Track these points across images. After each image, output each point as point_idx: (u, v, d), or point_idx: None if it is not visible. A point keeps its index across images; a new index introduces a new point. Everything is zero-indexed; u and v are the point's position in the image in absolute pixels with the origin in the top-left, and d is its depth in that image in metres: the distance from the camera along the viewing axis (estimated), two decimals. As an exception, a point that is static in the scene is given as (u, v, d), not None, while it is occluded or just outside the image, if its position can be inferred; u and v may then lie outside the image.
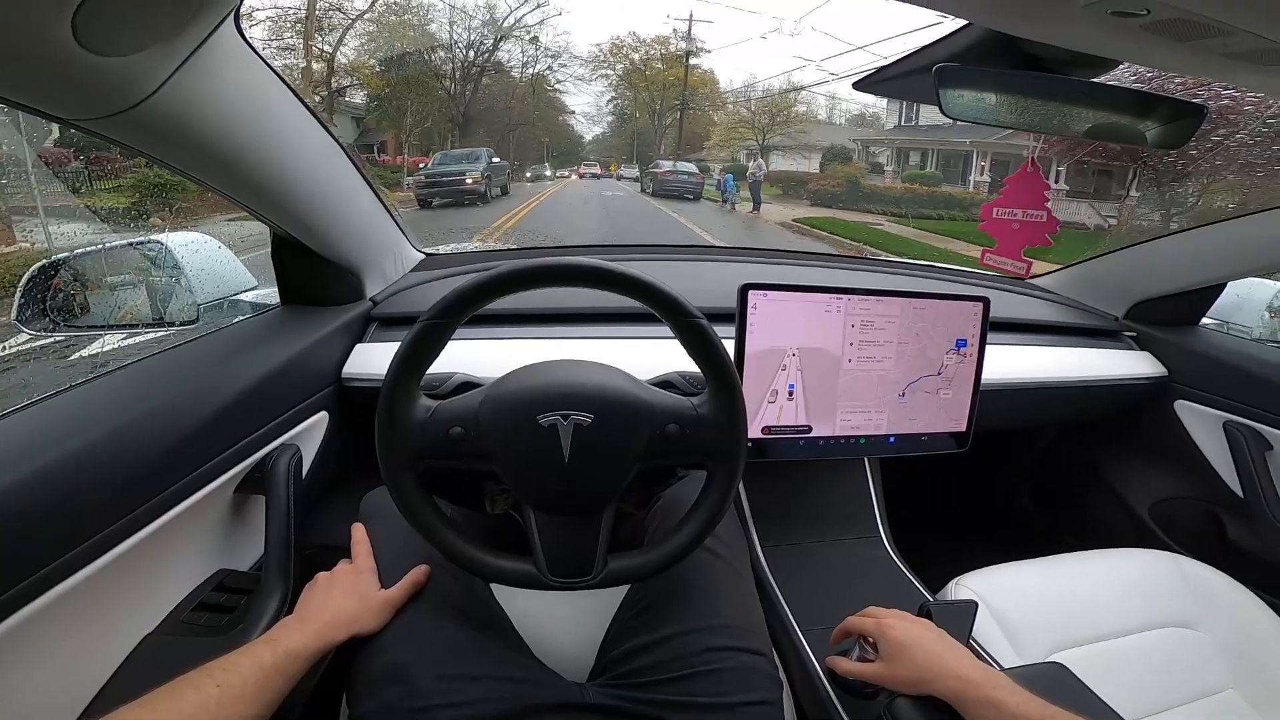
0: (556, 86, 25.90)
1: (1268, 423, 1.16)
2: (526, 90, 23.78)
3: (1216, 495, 1.25)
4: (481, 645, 0.67)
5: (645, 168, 21.29)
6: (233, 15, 0.59)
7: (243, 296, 1.04)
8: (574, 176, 25.59)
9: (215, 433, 0.73)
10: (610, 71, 26.42)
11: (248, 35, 0.65)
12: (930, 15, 0.55)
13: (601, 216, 13.30)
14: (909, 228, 13.29)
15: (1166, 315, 1.33)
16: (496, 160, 15.81)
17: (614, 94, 27.65)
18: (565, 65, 24.97)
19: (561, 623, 0.80)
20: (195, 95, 0.61)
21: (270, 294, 1.04)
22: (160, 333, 0.99)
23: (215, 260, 1.02)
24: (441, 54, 20.14)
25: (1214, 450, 1.25)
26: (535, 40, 22.96)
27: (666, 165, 19.42)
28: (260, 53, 0.68)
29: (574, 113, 28.63)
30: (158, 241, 1.01)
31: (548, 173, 24.30)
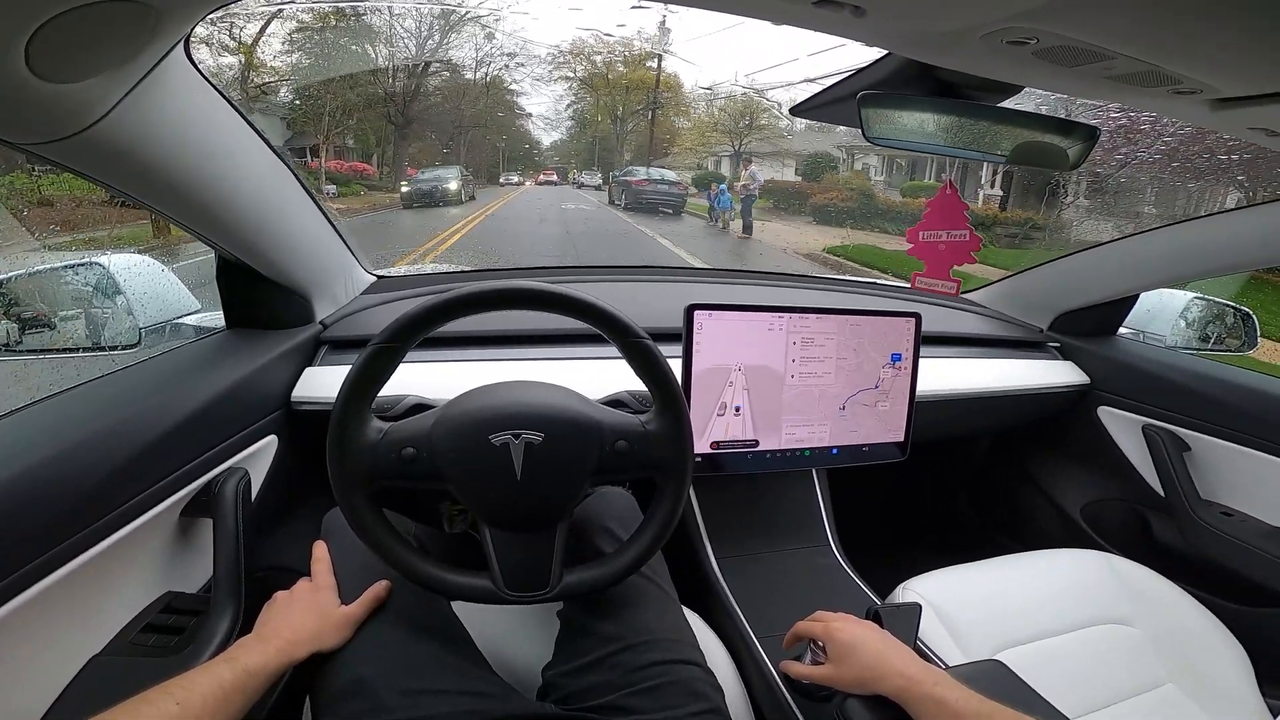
0: (512, 86, 22.88)
1: (1184, 425, 1.24)
2: (480, 91, 20.94)
3: (1141, 495, 1.32)
4: (443, 660, 0.67)
5: (612, 175, 18.46)
6: (183, 42, 0.60)
7: (186, 320, 1.02)
8: (529, 185, 22.23)
9: (158, 457, 0.73)
10: (571, 73, 24.51)
11: (198, 61, 0.65)
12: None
13: (563, 250, 9.39)
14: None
15: (1086, 326, 1.42)
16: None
17: (574, 97, 25.73)
18: (523, 65, 22.32)
19: (518, 639, 0.81)
20: (144, 120, 0.61)
21: (215, 317, 1.02)
22: (101, 357, 0.96)
23: (158, 283, 0.99)
24: (382, 48, 16.99)
25: (1136, 453, 1.33)
26: (491, 36, 20.10)
27: (640, 173, 15.76)
28: (210, 78, 0.68)
29: (531, 115, 25.69)
30: (97, 263, 0.98)
31: (452, 185, 13.68)
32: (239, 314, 1.00)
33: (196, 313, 1.04)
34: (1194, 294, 1.47)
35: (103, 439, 0.67)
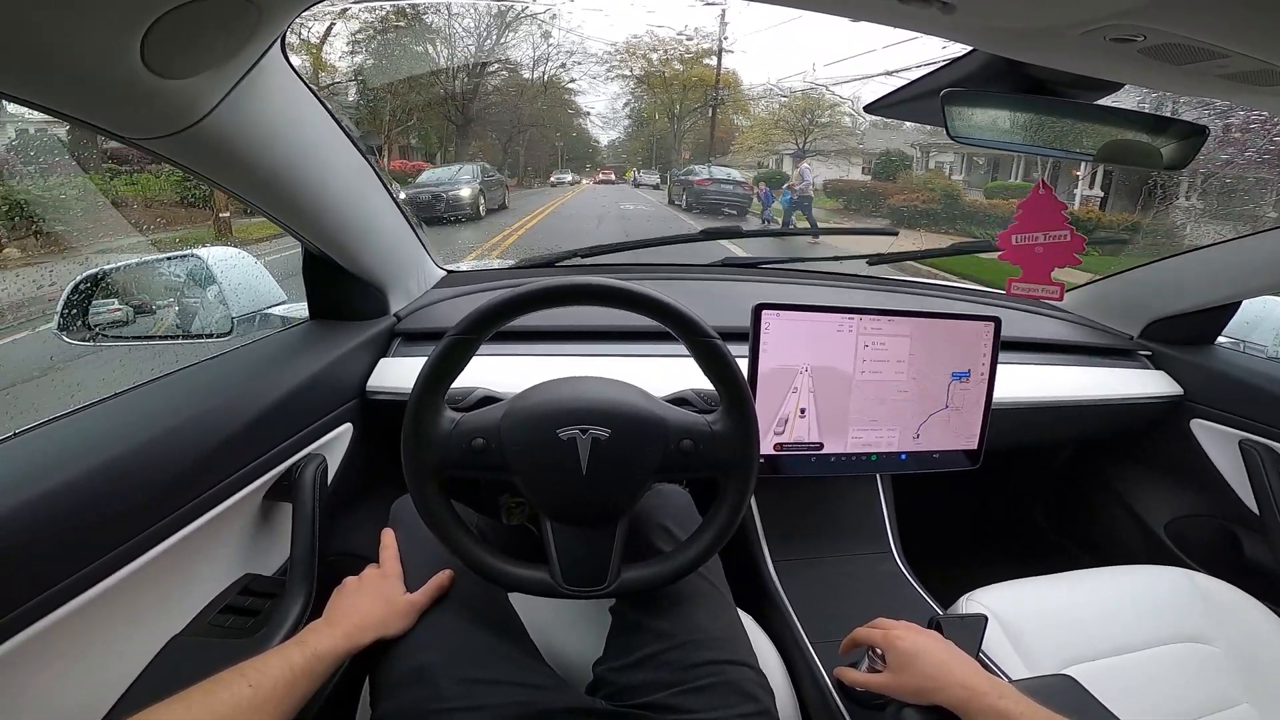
0: (569, 85, 22.62)
1: None
2: (539, 90, 20.80)
3: (1233, 513, 1.24)
4: (500, 651, 0.68)
5: (670, 174, 17.80)
6: (280, 41, 0.63)
7: (273, 310, 1.08)
8: (587, 184, 21.41)
9: (246, 442, 0.76)
10: (628, 71, 24.01)
11: (292, 61, 0.69)
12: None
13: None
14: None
15: (1181, 334, 1.33)
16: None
17: (631, 96, 25.23)
18: (580, 63, 21.94)
19: (570, 633, 0.82)
20: (245, 116, 0.64)
21: (299, 308, 1.07)
22: (197, 344, 1.02)
23: (249, 274, 1.06)
24: (441, 48, 16.85)
25: (1230, 468, 1.24)
26: (548, 35, 19.85)
27: (702, 172, 14.71)
28: (303, 77, 0.72)
29: (589, 114, 25.43)
30: (196, 256, 1.05)
31: (463, 192, 9.79)
32: (321, 305, 1.04)
33: (284, 303, 1.09)
34: (1302, 302, 1.37)
35: (195, 424, 0.71)
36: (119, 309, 1.04)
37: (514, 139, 20.05)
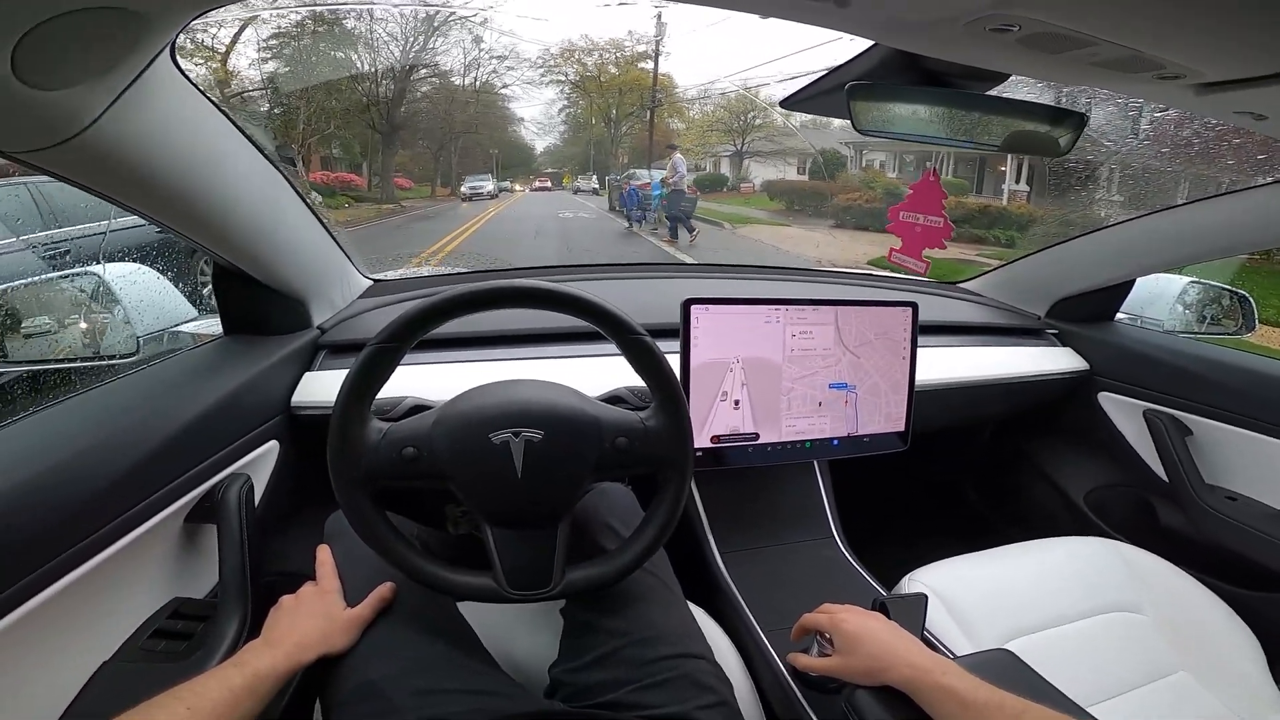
0: (502, 90, 22.37)
1: (1185, 409, 1.24)
2: (470, 96, 20.47)
3: (1145, 481, 1.32)
4: (452, 659, 0.67)
5: (610, 179, 17.82)
6: (169, 49, 0.60)
7: (184, 328, 1.03)
8: (526, 191, 21.67)
9: (160, 464, 0.73)
10: (562, 77, 24.10)
11: (184, 68, 0.65)
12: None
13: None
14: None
15: (1084, 312, 1.42)
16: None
17: (566, 101, 25.34)
18: (513, 68, 21.63)
19: (525, 638, 0.82)
20: (131, 127, 0.61)
21: (213, 324, 1.02)
22: (99, 366, 0.96)
23: (153, 290, 1.00)
24: (363, 53, 16.21)
25: (1138, 438, 1.32)
26: (479, 40, 19.79)
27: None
28: (198, 84, 0.69)
29: (523, 120, 25.53)
30: (92, 273, 0.99)
31: None
32: (236, 321, 1.00)
33: (194, 320, 1.04)
34: (1190, 278, 1.48)
35: (102, 447, 0.67)
36: (11, 331, 0.97)
37: (445, 147, 19.52)
